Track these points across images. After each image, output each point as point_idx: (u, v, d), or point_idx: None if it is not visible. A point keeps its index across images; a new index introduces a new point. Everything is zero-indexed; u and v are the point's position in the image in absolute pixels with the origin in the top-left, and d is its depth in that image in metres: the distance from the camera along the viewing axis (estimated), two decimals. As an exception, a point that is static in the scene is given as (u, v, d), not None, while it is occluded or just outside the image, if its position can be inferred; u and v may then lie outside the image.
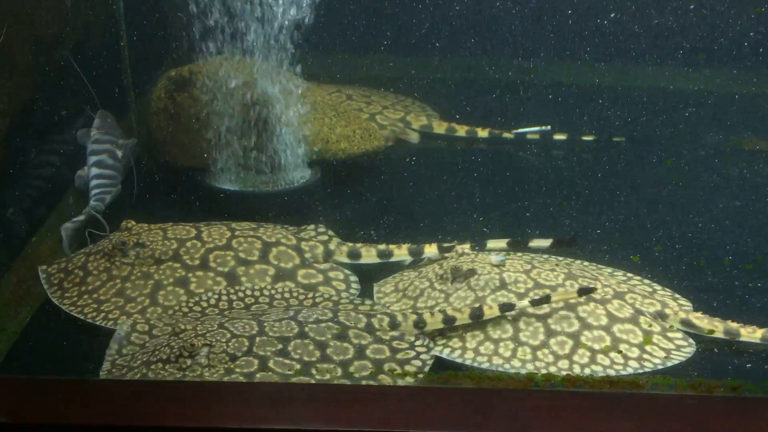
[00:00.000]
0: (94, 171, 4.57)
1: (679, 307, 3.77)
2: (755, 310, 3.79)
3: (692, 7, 6.00)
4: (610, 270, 4.07)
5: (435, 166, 5.30)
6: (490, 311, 3.56)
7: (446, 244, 4.06)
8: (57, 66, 4.89)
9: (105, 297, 3.69)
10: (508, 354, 3.49)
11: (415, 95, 5.98)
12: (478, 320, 3.55)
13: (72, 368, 3.46)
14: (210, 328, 3.31)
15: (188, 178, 4.75)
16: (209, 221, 4.19)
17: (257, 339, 3.30)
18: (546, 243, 4.10)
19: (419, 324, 3.57)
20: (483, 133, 5.49)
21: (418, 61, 6.30)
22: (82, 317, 3.62)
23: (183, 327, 3.30)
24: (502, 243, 4.11)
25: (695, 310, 3.79)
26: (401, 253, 4.03)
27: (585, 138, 5.40)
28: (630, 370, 3.43)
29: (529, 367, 3.43)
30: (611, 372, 3.40)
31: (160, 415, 2.79)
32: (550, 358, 3.46)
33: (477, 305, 3.60)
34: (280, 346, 3.30)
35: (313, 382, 3.20)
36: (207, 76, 4.62)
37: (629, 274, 4.05)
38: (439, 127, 5.59)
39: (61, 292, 3.76)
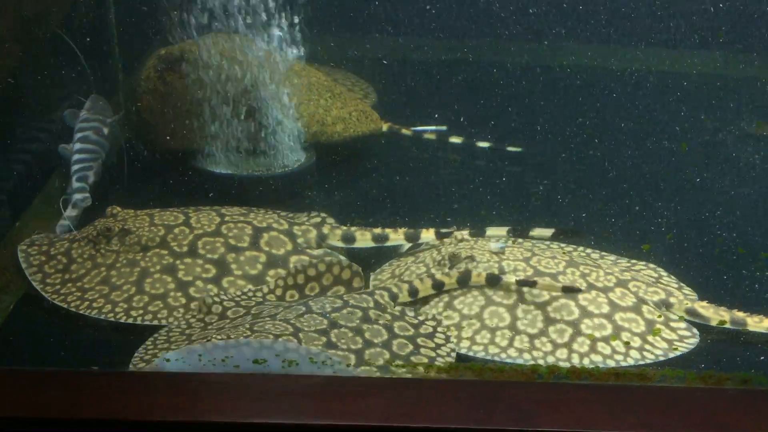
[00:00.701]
0: (78, 146, 4.49)
1: (684, 296, 3.71)
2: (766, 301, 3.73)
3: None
4: (613, 257, 4.00)
5: (434, 149, 5.20)
6: (477, 278, 3.59)
7: (444, 230, 3.99)
8: (44, 43, 4.78)
9: (89, 285, 3.61)
10: (504, 343, 3.43)
11: (353, 79, 5.81)
12: (464, 285, 3.61)
13: (57, 359, 3.38)
14: (246, 335, 3.19)
15: (179, 161, 4.65)
16: (200, 206, 4.10)
17: (300, 335, 3.23)
18: (548, 233, 4.04)
19: (413, 292, 3.62)
20: (384, 126, 5.25)
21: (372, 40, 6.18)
22: (65, 306, 3.54)
23: (218, 338, 3.18)
24: (502, 231, 4.04)
25: (702, 299, 3.72)
26: (397, 237, 3.96)
27: (481, 144, 5.11)
28: (631, 361, 3.37)
29: (526, 356, 3.37)
30: (611, 362, 3.35)
31: (150, 409, 2.73)
32: (549, 347, 3.40)
33: (465, 270, 3.63)
34: (324, 339, 3.24)
35: (374, 370, 3.20)
36: (198, 55, 4.52)
37: (633, 260, 3.98)
38: None
39: (42, 276, 3.68)
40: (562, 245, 4.03)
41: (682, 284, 3.84)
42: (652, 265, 3.94)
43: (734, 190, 4.77)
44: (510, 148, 5.04)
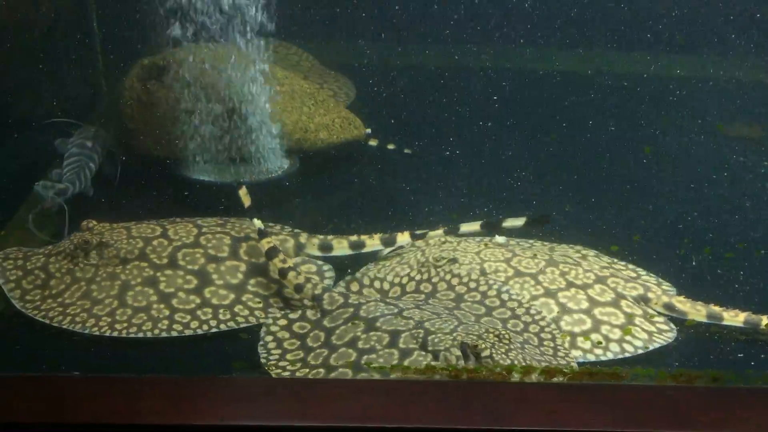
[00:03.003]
0: (65, 162, 4.53)
1: (663, 291, 3.75)
2: (736, 300, 3.74)
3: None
4: (594, 254, 4.04)
5: (417, 153, 5.23)
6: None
7: (419, 232, 4.01)
8: (25, 55, 4.80)
9: (70, 300, 3.59)
10: None
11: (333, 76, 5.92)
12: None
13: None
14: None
15: (162, 169, 4.68)
16: (175, 217, 4.11)
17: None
18: (519, 222, 4.05)
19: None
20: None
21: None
22: (48, 322, 3.51)
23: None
24: (475, 226, 4.05)
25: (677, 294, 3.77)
26: (373, 243, 3.96)
27: (390, 147, 5.20)
28: (610, 355, 3.41)
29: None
30: (591, 357, 3.39)
31: (132, 413, 2.73)
32: None
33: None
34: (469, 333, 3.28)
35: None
36: (180, 65, 4.55)
37: (614, 259, 4.03)
38: None
39: (20, 292, 3.64)
40: (546, 243, 4.08)
41: (661, 280, 3.88)
42: (631, 266, 3.98)
43: (701, 190, 4.82)
44: (406, 151, 5.17)
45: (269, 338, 3.41)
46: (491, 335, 3.17)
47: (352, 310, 3.46)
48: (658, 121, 5.59)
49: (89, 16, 5.45)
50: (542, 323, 3.50)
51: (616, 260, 4.02)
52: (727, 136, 5.37)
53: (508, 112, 5.69)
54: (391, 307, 3.45)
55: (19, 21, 4.78)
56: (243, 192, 3.92)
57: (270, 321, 3.51)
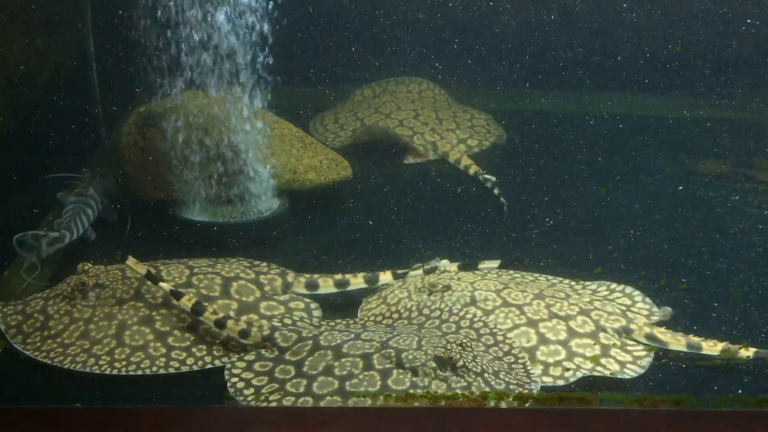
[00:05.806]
0: (63, 211, 4.64)
1: (644, 323, 3.85)
2: (687, 328, 3.87)
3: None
4: (594, 287, 4.16)
5: (402, 193, 5.37)
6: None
7: (400, 271, 4.15)
8: (30, 103, 4.97)
9: (69, 340, 3.66)
10: None
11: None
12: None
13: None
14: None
15: (159, 211, 4.82)
16: (177, 255, 4.24)
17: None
18: (494, 264, 4.22)
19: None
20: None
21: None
22: (49, 362, 3.58)
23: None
24: (453, 267, 4.20)
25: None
26: (357, 281, 4.09)
27: None
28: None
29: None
30: (561, 382, 3.50)
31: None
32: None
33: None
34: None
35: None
36: (176, 111, 4.70)
37: (613, 285, 4.16)
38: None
39: (21, 336, 3.71)
40: (549, 277, 4.23)
41: (655, 309, 3.99)
42: (628, 289, 4.12)
43: (669, 224, 4.94)
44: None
45: (235, 380, 3.47)
46: (455, 345, 3.35)
47: (311, 342, 3.55)
48: (630, 158, 5.74)
49: (89, 67, 5.65)
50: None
51: (614, 285, 4.15)
52: (698, 172, 5.49)
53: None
54: (346, 333, 3.57)
55: (24, 73, 4.96)
56: (132, 262, 3.80)
57: (229, 366, 3.53)
